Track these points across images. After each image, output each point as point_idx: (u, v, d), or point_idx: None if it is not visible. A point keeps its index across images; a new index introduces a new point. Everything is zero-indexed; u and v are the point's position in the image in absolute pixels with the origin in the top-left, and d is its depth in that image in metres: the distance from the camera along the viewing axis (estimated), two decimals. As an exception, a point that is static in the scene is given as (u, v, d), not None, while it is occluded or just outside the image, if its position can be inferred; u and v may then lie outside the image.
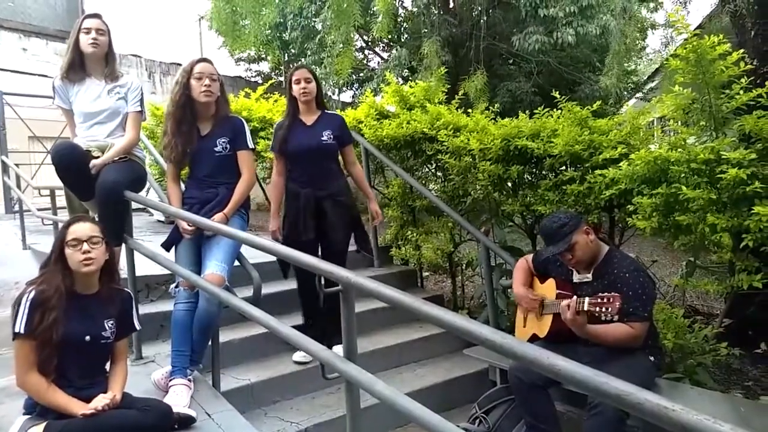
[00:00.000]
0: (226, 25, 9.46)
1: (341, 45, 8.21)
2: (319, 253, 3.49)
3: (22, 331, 2.13)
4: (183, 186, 3.24)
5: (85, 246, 2.24)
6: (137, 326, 2.56)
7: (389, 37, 11.67)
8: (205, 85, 2.98)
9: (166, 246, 3.03)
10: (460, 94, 5.51)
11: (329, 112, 3.75)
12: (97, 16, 3.19)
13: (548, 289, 2.87)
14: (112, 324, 2.35)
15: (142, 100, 3.29)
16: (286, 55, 12.33)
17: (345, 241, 3.63)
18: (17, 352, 2.16)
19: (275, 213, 3.62)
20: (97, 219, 3.26)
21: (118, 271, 2.52)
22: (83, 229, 2.28)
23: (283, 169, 3.61)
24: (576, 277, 2.79)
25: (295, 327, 2.27)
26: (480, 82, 8.92)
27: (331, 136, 3.57)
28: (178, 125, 3.04)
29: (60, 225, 2.48)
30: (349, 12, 7.30)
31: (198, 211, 2.93)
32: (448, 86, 7.36)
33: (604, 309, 2.40)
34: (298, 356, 3.50)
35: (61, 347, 2.17)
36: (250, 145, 3.15)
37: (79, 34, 3.13)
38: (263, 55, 14.51)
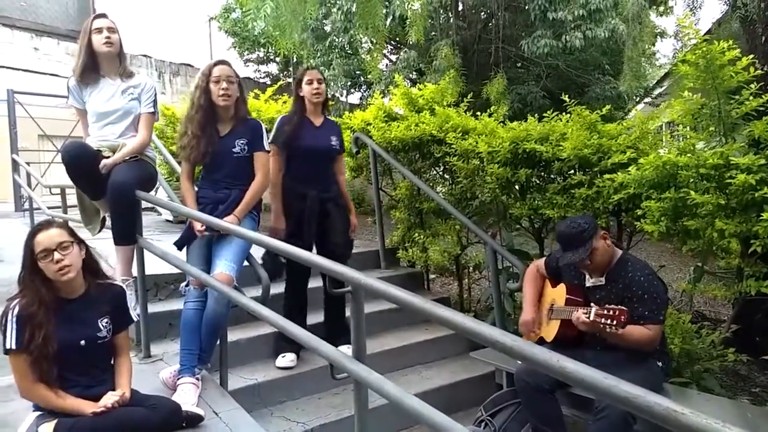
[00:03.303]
0: (274, 24, 9.25)
1: (369, 45, 8.14)
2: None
3: (14, 347, 2.10)
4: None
5: (57, 255, 2.15)
6: (134, 318, 2.53)
7: (397, 39, 11.68)
8: (223, 89, 3.01)
9: (179, 245, 3.05)
10: (469, 97, 5.49)
11: (329, 118, 3.82)
12: (104, 15, 3.22)
13: (558, 294, 2.87)
14: (107, 322, 2.32)
15: (155, 101, 3.32)
16: (294, 56, 12.34)
17: (347, 244, 3.66)
18: (14, 367, 2.14)
19: (280, 211, 3.54)
20: (108, 218, 3.30)
21: (101, 266, 2.44)
22: (49, 237, 2.17)
23: (284, 165, 3.58)
24: (589, 282, 2.78)
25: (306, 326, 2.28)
26: (501, 86, 8.90)
27: (337, 142, 3.66)
28: (202, 127, 3.05)
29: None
30: (373, 12, 7.23)
31: (211, 211, 2.95)
32: (458, 89, 7.35)
33: (609, 321, 2.39)
34: (282, 362, 3.44)
35: (58, 356, 2.15)
36: (267, 147, 3.18)
37: (90, 35, 3.15)
38: (271, 57, 14.53)
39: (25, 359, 2.11)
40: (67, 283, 2.23)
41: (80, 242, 2.30)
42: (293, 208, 3.52)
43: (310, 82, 3.56)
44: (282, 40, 8.90)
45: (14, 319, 2.12)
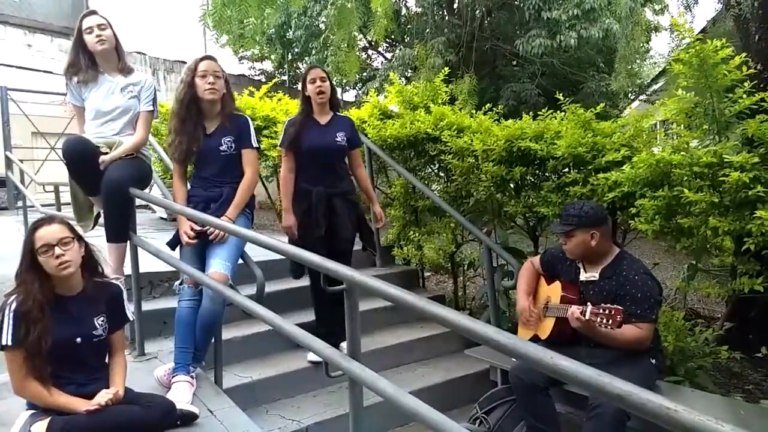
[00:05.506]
0: (227, 24, 9.31)
1: (345, 47, 8.11)
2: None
3: (9, 343, 2.09)
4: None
5: (57, 250, 2.14)
6: (130, 317, 2.50)
7: (392, 37, 11.67)
8: (209, 83, 2.98)
9: (172, 245, 3.05)
10: (446, 96, 5.50)
11: (339, 114, 3.79)
12: (93, 13, 3.18)
13: (554, 291, 2.88)
14: (102, 320, 2.31)
15: (155, 100, 3.31)
16: (290, 54, 12.33)
17: (352, 239, 3.68)
18: (8, 363, 2.13)
19: (289, 208, 3.57)
20: (102, 215, 3.29)
21: (101, 263, 2.43)
22: (51, 232, 2.17)
23: (293, 165, 3.60)
24: (583, 276, 2.80)
25: (301, 324, 2.27)
26: (469, 86, 8.78)
27: (345, 138, 3.62)
28: (183, 123, 3.04)
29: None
30: (350, 13, 7.20)
31: (203, 210, 2.92)
32: (452, 87, 7.34)
33: (605, 321, 2.40)
34: (313, 356, 3.45)
35: (53, 353, 2.14)
36: (255, 143, 3.15)
37: (82, 36, 3.13)
38: (266, 54, 14.51)
39: (19, 355, 2.10)
40: (65, 280, 2.22)
41: (80, 239, 2.29)
42: (298, 206, 3.55)
43: (313, 81, 3.54)
44: (236, 41, 8.83)
45: (11, 315, 2.11)
